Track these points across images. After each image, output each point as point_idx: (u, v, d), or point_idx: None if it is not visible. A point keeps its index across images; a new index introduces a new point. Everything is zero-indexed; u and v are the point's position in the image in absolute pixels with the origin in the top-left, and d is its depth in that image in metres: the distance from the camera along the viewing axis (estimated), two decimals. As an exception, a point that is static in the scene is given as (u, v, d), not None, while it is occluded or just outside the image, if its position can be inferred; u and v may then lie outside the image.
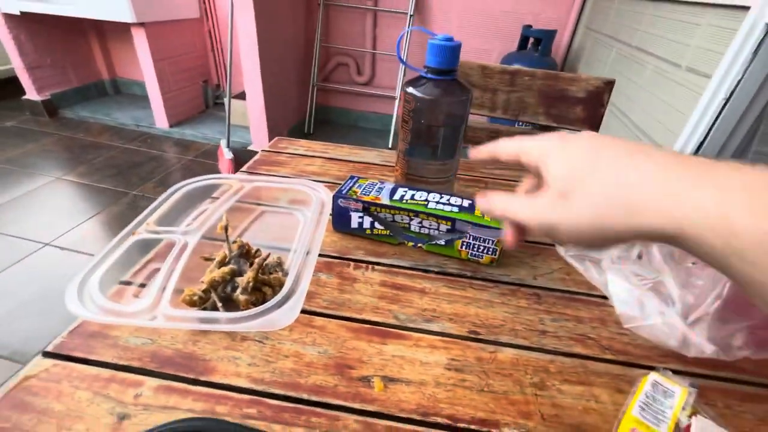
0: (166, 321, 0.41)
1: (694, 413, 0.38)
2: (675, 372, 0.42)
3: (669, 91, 1.36)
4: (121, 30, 2.78)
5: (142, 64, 2.61)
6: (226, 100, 2.36)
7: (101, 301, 0.42)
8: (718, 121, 1.12)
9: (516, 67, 1.02)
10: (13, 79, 2.83)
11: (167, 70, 2.72)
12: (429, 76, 0.60)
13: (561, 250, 0.58)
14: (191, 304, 0.45)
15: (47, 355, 0.40)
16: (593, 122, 1.02)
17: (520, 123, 1.11)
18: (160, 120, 2.79)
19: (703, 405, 0.40)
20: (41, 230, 1.79)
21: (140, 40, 2.53)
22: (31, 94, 2.80)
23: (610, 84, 0.97)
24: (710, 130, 1.14)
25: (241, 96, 2.67)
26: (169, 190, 0.61)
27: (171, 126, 2.80)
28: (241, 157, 2.24)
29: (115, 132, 2.76)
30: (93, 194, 2.08)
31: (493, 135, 1.08)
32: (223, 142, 2.38)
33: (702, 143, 1.16)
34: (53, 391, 0.37)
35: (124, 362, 0.40)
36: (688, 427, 0.37)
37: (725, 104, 1.10)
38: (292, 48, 2.71)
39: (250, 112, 2.50)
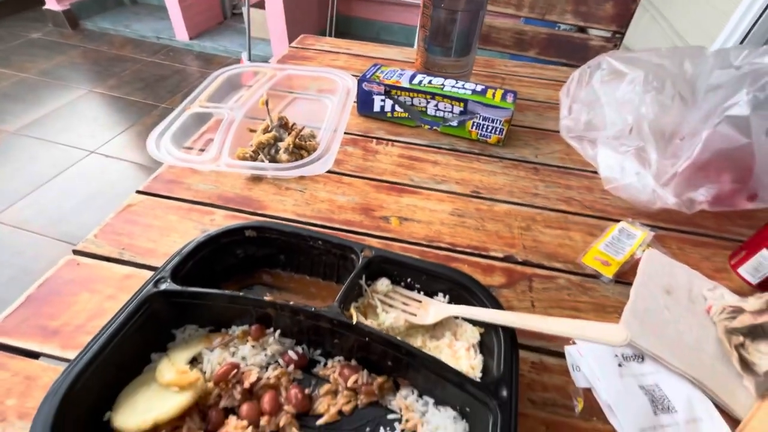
0: (227, 167, 0.52)
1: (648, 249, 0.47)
2: (641, 224, 0.51)
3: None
4: (131, -71, 2.62)
5: (156, -32, 2.50)
6: (244, 9, 2.29)
7: (176, 153, 0.52)
8: (761, 19, 1.06)
9: (547, -42, 0.98)
10: (31, -12, 2.79)
11: (182, -25, 2.61)
12: (451, -42, 0.61)
13: (563, 132, 0.64)
14: (243, 160, 0.55)
15: (140, 192, 0.52)
16: (623, 21, 0.99)
17: (548, 23, 1.08)
18: (179, 32, 2.75)
19: (658, 246, 0.49)
20: (85, 139, 1.93)
21: (152, -60, 2.39)
22: (51, 3, 2.77)
23: (645, -23, 0.93)
24: (751, 28, 1.08)
25: (260, 5, 2.57)
26: (212, 75, 0.69)
27: (191, 38, 2.76)
28: (263, 71, 2.24)
29: (136, 45, 2.76)
30: (125, 106, 2.18)
31: (518, 36, 1.07)
32: (244, 55, 2.37)
33: (742, 42, 1.12)
34: (150, 214, 0.49)
35: (198, 199, 0.51)
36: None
37: (771, 2, 1.03)
38: (309, -52, 2.52)
39: (270, 23, 2.43)
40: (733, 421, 0.34)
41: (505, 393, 0.29)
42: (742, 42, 1.11)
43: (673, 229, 0.52)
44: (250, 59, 2.38)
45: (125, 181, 1.73)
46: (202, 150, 0.58)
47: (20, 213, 1.54)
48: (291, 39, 2.50)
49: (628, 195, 0.52)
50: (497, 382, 0.30)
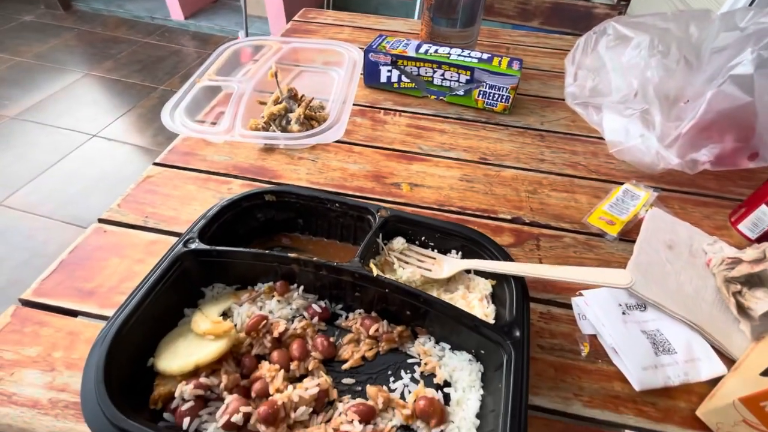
0: (241, 138, 0.53)
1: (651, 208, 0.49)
2: (645, 186, 0.52)
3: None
4: None
5: (147, -56, 2.43)
6: (239, -14, 2.24)
7: (191, 125, 0.53)
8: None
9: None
10: (19, -32, 2.71)
11: (173, -49, 2.54)
12: None
13: (568, 99, 0.65)
14: (256, 131, 0.56)
15: (157, 164, 0.53)
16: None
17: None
18: (174, 11, 2.70)
19: (661, 206, 0.51)
20: (87, 123, 1.92)
21: None
22: (41, -16, 2.71)
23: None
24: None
25: (254, -19, 2.50)
26: (219, 49, 0.69)
27: (186, 18, 2.71)
28: (261, 50, 2.21)
29: (131, 25, 2.71)
30: (124, 89, 2.16)
31: (522, 6, 1.06)
32: (241, 34, 2.33)
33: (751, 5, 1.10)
34: (169, 184, 0.51)
35: (214, 170, 0.53)
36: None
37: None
38: None
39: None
40: (729, 361, 0.36)
41: (517, 333, 0.31)
42: (751, 4, 1.10)
43: (675, 190, 0.54)
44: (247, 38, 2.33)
45: (130, 164, 1.74)
46: (213, 123, 0.59)
47: (27, 197, 1.56)
48: (289, 16, 2.45)
49: (632, 157, 0.53)
50: (510, 324, 0.32)
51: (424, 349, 0.35)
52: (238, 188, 0.51)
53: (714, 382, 0.34)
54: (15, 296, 0.38)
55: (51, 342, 0.35)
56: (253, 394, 0.31)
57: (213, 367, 0.31)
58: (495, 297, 0.38)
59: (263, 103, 0.60)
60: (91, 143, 1.84)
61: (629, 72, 0.56)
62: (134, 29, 2.70)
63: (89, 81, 2.23)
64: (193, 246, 0.36)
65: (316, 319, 0.37)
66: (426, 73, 0.65)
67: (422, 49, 0.64)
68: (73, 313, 0.37)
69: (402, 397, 0.33)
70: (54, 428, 0.30)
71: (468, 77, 0.63)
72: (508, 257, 0.37)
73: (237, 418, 0.28)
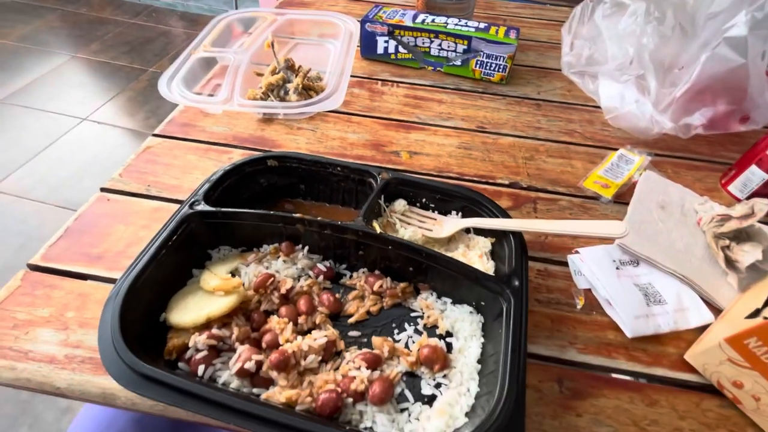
0: (240, 107, 0.53)
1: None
2: (639, 151, 0.54)
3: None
4: None
5: None
6: (228, -37, 2.18)
7: (189, 95, 0.53)
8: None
9: None
10: (-4, -55, 2.60)
11: (158, -73, 2.45)
12: None
13: (564, 68, 0.65)
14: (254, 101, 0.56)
15: (156, 135, 0.53)
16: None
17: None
18: (160, -9, 2.62)
19: (655, 170, 0.52)
20: (76, 107, 1.89)
21: None
22: (20, -38, 2.61)
23: None
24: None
25: (243, -42, 2.43)
26: (214, 20, 0.68)
27: (173, -2, 2.63)
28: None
29: (117, 6, 2.63)
30: (112, 71, 2.11)
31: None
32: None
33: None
34: (169, 154, 0.51)
35: (214, 140, 0.53)
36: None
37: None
38: None
39: (255, -22, 2.32)
40: (717, 311, 0.38)
41: (517, 283, 0.32)
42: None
43: (669, 155, 0.55)
44: (238, 18, 2.28)
45: (121, 148, 1.72)
46: (210, 95, 0.59)
47: (20, 182, 1.54)
48: (279, -5, 2.39)
49: (627, 123, 0.54)
50: (509, 275, 0.33)
51: (427, 303, 0.36)
52: (239, 158, 0.51)
53: (702, 329, 0.36)
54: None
55: (62, 303, 0.36)
56: (263, 345, 0.32)
57: (224, 321, 0.33)
58: (494, 254, 0.39)
59: (260, 74, 0.60)
60: (81, 127, 1.81)
61: (625, 40, 0.56)
62: (120, 9, 2.62)
63: (76, 63, 2.18)
64: (198, 207, 0.36)
65: (321, 277, 0.38)
66: (423, 43, 0.64)
67: (419, 19, 0.64)
68: (83, 277, 0.38)
69: (406, 347, 0.34)
70: (72, 381, 0.32)
71: (465, 47, 0.63)
72: (506, 217, 0.38)
73: (250, 365, 0.30)
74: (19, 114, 1.81)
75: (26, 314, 0.35)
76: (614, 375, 0.34)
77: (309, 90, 0.58)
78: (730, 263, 0.40)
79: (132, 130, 1.79)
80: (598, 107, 0.60)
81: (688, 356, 0.35)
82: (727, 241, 0.41)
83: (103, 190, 0.46)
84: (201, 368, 0.30)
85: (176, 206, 0.44)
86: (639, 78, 0.53)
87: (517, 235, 0.37)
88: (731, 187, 0.49)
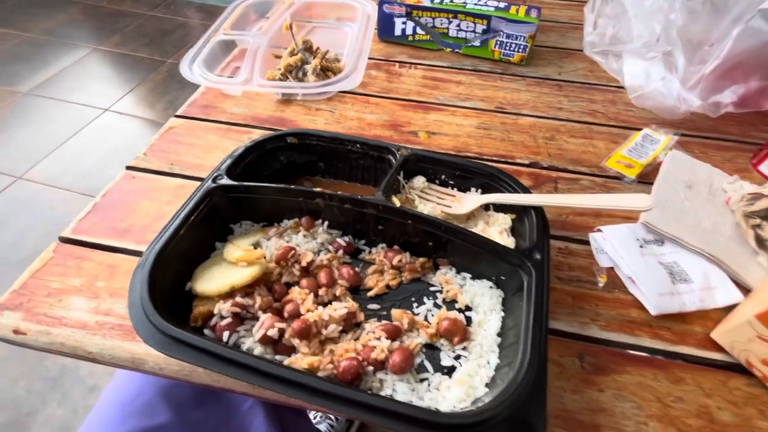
0: (260, 88, 0.53)
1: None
2: (665, 131, 0.52)
3: None
4: None
5: None
6: (244, -47, 2.18)
7: (211, 76, 0.54)
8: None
9: None
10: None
11: None
12: None
13: (587, 48, 0.63)
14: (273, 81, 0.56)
15: (178, 116, 0.54)
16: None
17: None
18: (177, -17, 2.65)
19: (681, 149, 0.50)
20: (98, 98, 1.94)
21: None
22: (43, -43, 2.67)
23: None
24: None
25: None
26: (233, 4, 0.69)
27: (190, -10, 2.66)
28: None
29: (135, -1, 2.68)
30: (133, 63, 2.15)
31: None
32: (246, 4, 2.29)
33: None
34: (191, 135, 0.52)
35: (234, 121, 0.54)
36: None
37: None
38: None
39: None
40: (746, 291, 0.37)
41: (538, 256, 0.32)
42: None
43: (696, 135, 0.53)
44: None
45: (142, 138, 1.76)
46: (230, 77, 0.60)
47: (46, 171, 1.59)
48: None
49: (653, 102, 0.52)
50: (531, 248, 0.33)
51: (446, 278, 0.36)
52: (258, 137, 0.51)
53: (729, 309, 0.35)
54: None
55: (93, 274, 0.37)
56: (285, 315, 0.33)
57: (246, 290, 0.33)
58: (514, 231, 0.38)
59: (278, 57, 0.60)
60: (103, 117, 1.86)
61: (652, 17, 0.54)
62: (139, 2, 2.67)
63: (98, 56, 2.23)
64: (221, 182, 0.37)
65: (341, 252, 0.38)
66: (441, 24, 0.64)
67: (437, -1, 0.63)
68: (112, 249, 0.39)
69: (425, 320, 0.34)
70: (103, 346, 0.33)
71: (484, 26, 0.62)
72: (527, 193, 0.38)
73: (273, 332, 0.30)
74: (45, 105, 1.87)
75: (59, 283, 0.37)
76: (637, 352, 0.34)
77: (327, 71, 0.58)
78: (761, 242, 0.39)
79: (152, 120, 1.83)
80: (622, 87, 0.59)
81: (715, 334, 0.34)
82: (758, 220, 0.39)
83: (128, 168, 0.47)
84: (225, 334, 0.31)
85: (198, 183, 0.45)
86: (666, 55, 0.51)
87: (539, 211, 0.36)
88: (762, 167, 0.47)
